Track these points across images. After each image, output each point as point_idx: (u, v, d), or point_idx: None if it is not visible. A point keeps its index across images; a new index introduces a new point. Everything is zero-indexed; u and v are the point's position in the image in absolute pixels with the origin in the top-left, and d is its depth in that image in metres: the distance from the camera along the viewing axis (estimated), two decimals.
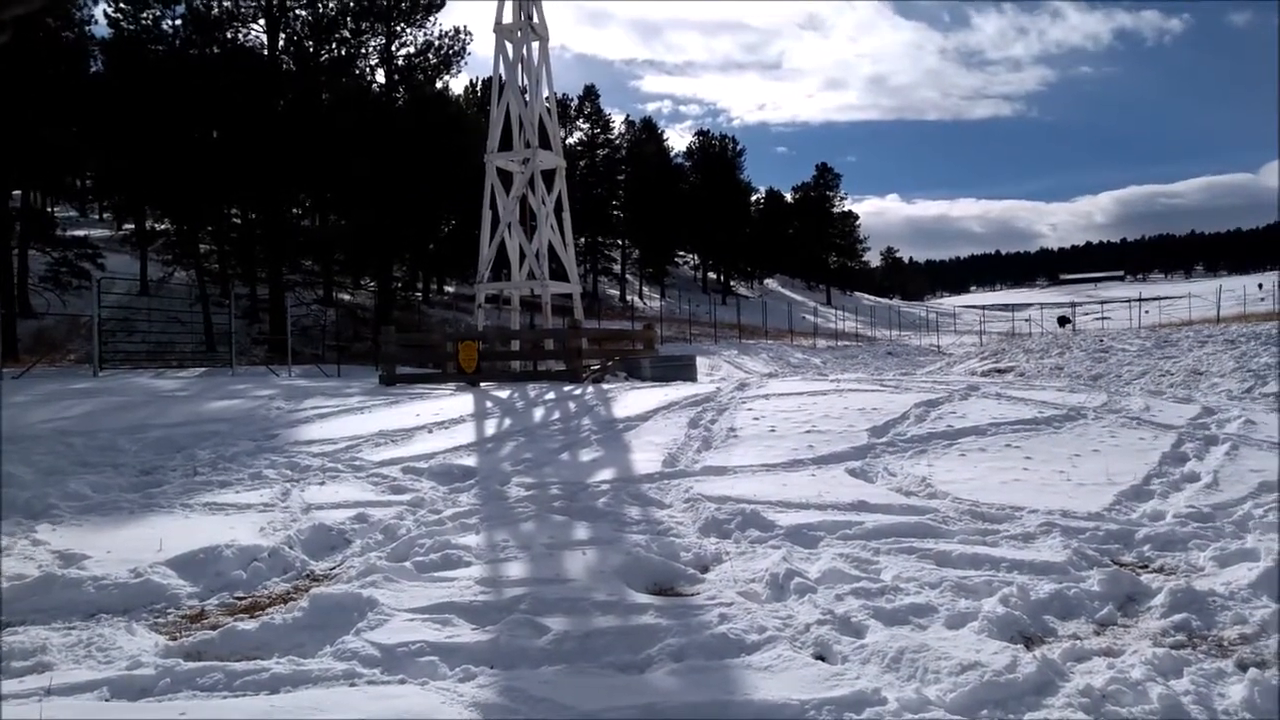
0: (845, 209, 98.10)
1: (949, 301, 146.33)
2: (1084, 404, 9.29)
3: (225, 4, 32.52)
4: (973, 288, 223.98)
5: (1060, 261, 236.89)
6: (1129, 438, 7.80)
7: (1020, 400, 9.52)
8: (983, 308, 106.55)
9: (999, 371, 24.07)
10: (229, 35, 33.05)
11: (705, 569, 4.58)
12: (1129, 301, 72.37)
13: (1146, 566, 4.57)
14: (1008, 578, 4.17)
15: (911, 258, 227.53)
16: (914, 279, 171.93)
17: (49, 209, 42.02)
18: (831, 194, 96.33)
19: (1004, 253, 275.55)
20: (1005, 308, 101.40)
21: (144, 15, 31.73)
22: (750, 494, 6.05)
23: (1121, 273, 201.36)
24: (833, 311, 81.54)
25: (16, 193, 30.99)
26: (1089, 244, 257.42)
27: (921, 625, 3.62)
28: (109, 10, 31.44)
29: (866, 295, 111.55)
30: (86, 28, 31.51)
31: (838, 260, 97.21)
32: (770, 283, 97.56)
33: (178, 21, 32.36)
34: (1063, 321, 61.92)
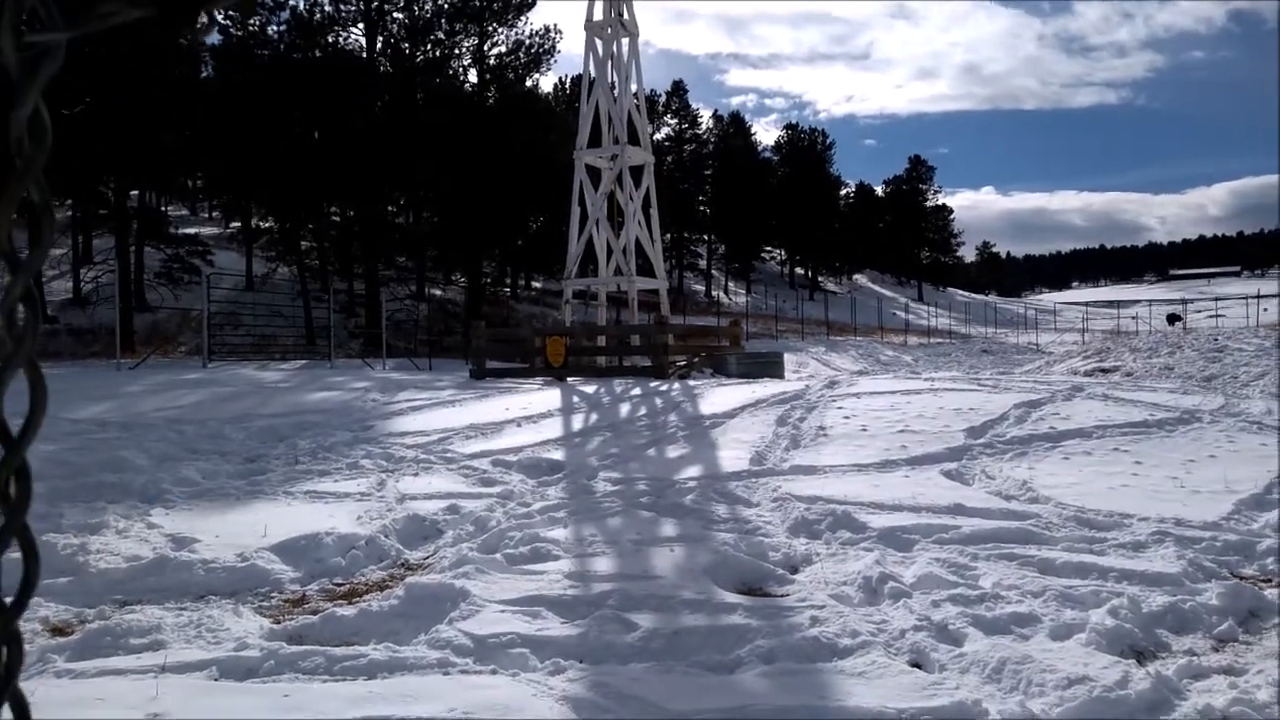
0: (939, 202, 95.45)
1: (1049, 298, 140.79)
2: (1199, 406, 8.79)
3: (327, 9, 33.71)
4: (1075, 284, 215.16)
5: (1170, 256, 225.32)
6: (1249, 443, 7.35)
7: (1129, 402, 9.08)
8: (1086, 304, 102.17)
9: (1103, 371, 23.01)
10: (330, 39, 34.24)
11: (795, 570, 4.50)
12: (1246, 298, 68.29)
13: (1270, 580, 4.28)
14: (1117, 588, 3.97)
15: (1009, 252, 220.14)
16: (1011, 274, 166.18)
17: (163, 208, 44.34)
18: (924, 187, 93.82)
19: (1109, 247, 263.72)
20: (1110, 304, 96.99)
21: (251, 21, 33.13)
22: (841, 494, 5.93)
23: (1238, 268, 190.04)
24: (925, 308, 79.50)
25: (134, 192, 32.80)
26: (1201, 238, 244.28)
27: (1024, 635, 3.47)
28: (219, 16, 32.92)
29: (961, 291, 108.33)
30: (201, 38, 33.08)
31: (930, 255, 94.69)
32: (859, 278, 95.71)
33: (282, 26, 33.68)
34: (1173, 319, 58.83)
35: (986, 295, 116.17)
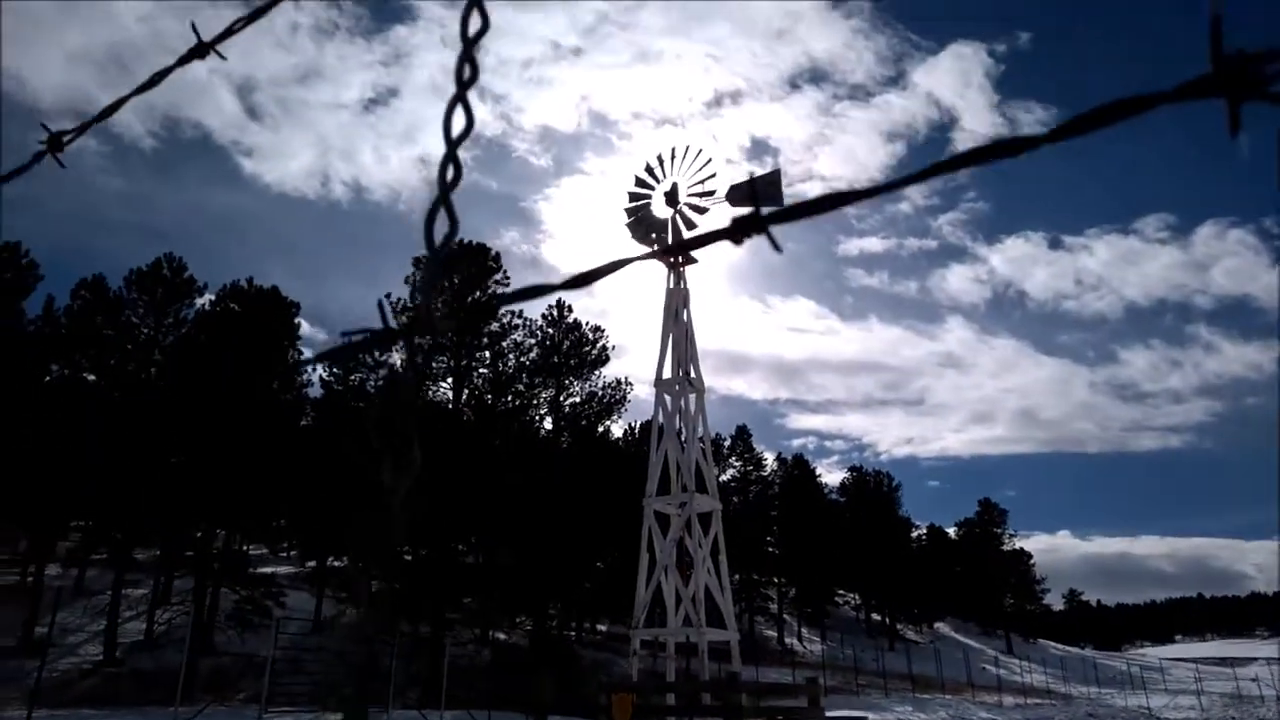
0: (1015, 546, 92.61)
1: (1152, 652, 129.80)
2: None
3: (420, 365, 37.06)
4: (1179, 637, 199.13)
5: (1278, 607, 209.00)
6: None
7: None
8: (1195, 661, 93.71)
9: None
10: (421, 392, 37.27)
11: None
12: None
13: None
14: None
15: (1099, 600, 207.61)
16: (1105, 625, 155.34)
17: (244, 547, 45.76)
18: (999, 531, 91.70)
19: (1208, 596, 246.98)
20: (1222, 662, 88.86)
21: (352, 377, 36.48)
22: None
23: None
24: (1016, 661, 73.77)
25: (221, 532, 34.16)
26: None
27: None
28: (324, 374, 36.46)
29: (1053, 644, 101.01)
30: (305, 390, 36.44)
31: (1013, 603, 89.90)
32: (941, 626, 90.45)
33: (380, 382, 36.89)
34: None
35: (1082, 648, 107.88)
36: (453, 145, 0.72)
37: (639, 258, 0.64)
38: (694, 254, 24.05)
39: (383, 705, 22.32)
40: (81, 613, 33.01)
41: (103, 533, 32.72)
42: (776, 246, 0.58)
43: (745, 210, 0.60)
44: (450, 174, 0.72)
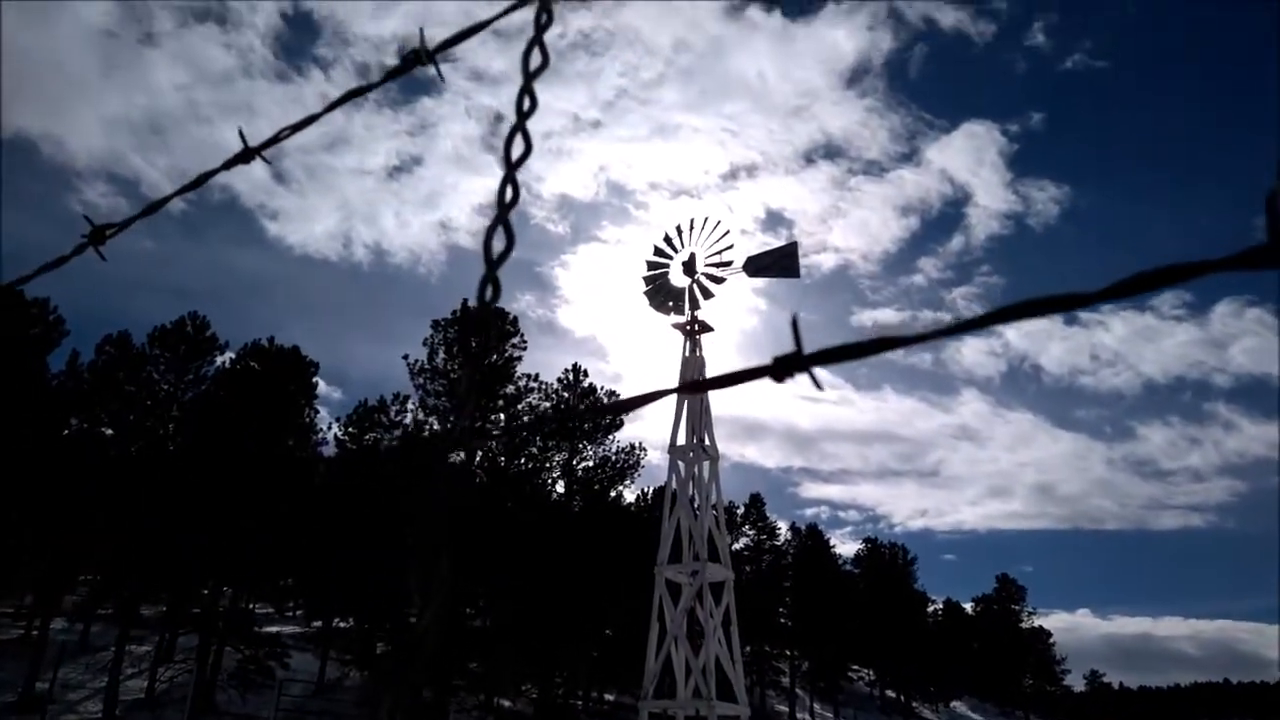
0: (1034, 624, 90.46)
1: None
2: None
3: (435, 428, 37.14)
4: None
5: None
6: None
7: None
8: None
9: None
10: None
11: None
12: None
13: None
14: None
15: (1122, 683, 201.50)
16: (1128, 709, 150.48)
17: (249, 605, 45.36)
18: (1017, 608, 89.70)
19: (1234, 681, 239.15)
20: None
21: (367, 437, 36.58)
22: None
23: None
24: None
25: (227, 589, 33.91)
26: None
27: None
28: (339, 433, 36.58)
29: None
30: (319, 448, 36.57)
31: (1033, 683, 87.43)
32: (957, 705, 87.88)
33: (394, 442, 36.98)
34: None
35: None
36: (511, 168, 0.79)
37: (666, 392, 0.68)
38: (710, 323, 24.27)
39: None
40: (84, 669, 32.65)
41: (110, 588, 32.57)
42: (818, 385, 0.62)
43: (788, 351, 0.63)
44: (509, 195, 0.79)
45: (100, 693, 29.82)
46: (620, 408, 0.70)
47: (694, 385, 0.69)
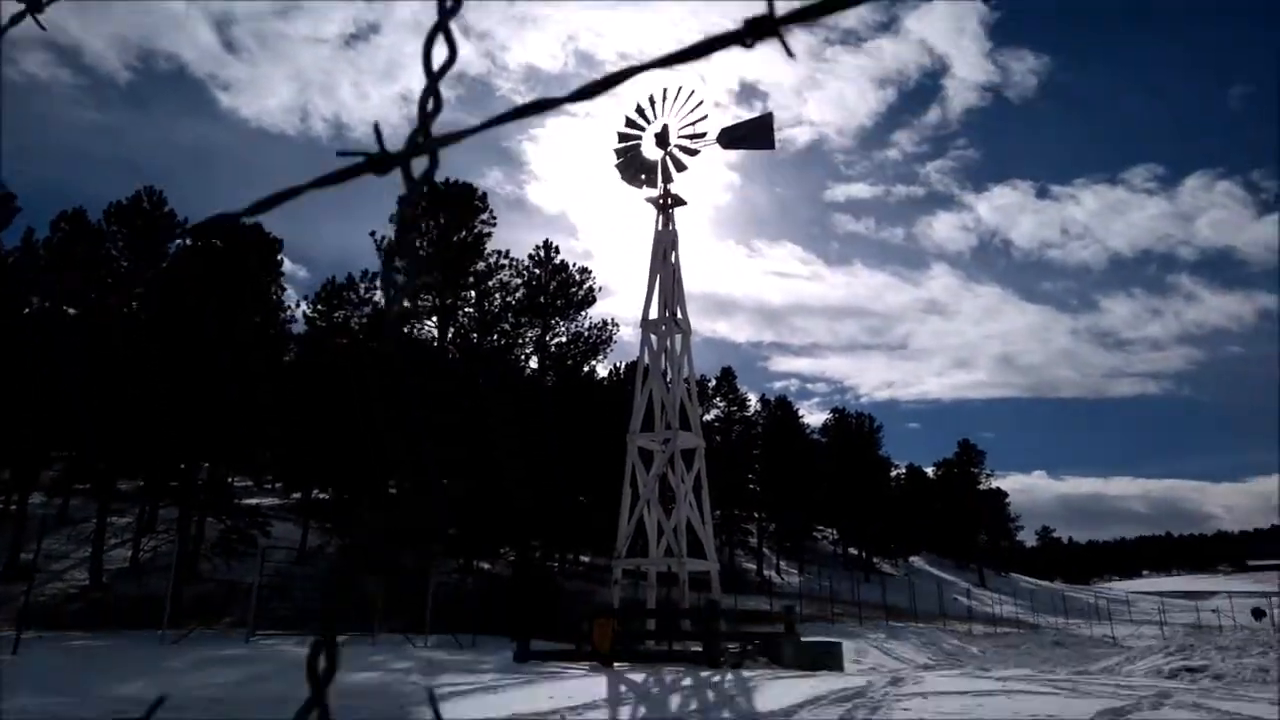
0: (991, 486, 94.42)
1: (1119, 586, 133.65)
2: None
3: (406, 305, 36.79)
4: (1145, 572, 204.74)
5: (1242, 546, 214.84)
6: None
7: (1227, 715, 8.38)
8: (1160, 595, 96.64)
9: (1189, 670, 21.29)
10: (406, 331, 37.14)
11: None
12: None
13: None
14: None
15: (1071, 538, 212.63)
16: (1075, 561, 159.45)
17: (229, 479, 45.92)
18: (976, 471, 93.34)
19: (1175, 535, 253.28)
20: (1186, 595, 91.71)
21: (335, 314, 36.22)
22: None
23: None
24: (988, 594, 75.83)
25: (205, 465, 34.22)
26: (1275, 527, 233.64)
27: None
28: (307, 311, 36.18)
29: (1025, 577, 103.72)
30: (288, 326, 36.24)
31: (988, 539, 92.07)
32: (916, 560, 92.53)
33: (364, 319, 36.68)
34: (1258, 614, 55.20)
35: (1052, 582, 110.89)
36: (434, 77, 0.69)
37: (649, 65, 0.63)
38: (683, 196, 23.89)
39: (369, 630, 22.72)
40: (66, 540, 33.19)
41: (85, 463, 32.71)
42: (790, 52, 0.59)
43: (759, 12, 0.59)
44: (430, 106, 0.70)
45: (84, 562, 30.44)
46: (594, 89, 0.65)
47: (660, 61, 0.64)
